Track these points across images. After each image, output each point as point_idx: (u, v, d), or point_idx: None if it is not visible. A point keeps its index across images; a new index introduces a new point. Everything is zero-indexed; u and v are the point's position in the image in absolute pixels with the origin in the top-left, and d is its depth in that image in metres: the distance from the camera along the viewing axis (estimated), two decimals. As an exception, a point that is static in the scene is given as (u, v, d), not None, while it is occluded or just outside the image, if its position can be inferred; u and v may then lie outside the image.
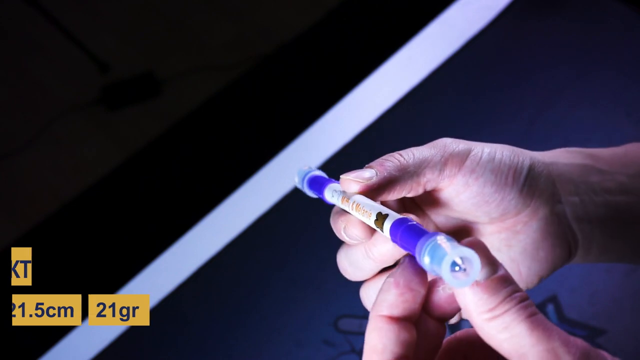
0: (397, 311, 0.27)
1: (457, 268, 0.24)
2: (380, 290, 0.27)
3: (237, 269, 0.65)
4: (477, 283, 0.25)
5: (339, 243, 0.34)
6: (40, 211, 1.51)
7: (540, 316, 0.24)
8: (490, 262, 0.25)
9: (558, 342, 0.24)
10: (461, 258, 0.24)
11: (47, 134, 1.65)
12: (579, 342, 0.24)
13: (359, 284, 0.35)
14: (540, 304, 0.56)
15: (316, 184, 0.35)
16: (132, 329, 0.64)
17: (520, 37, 0.71)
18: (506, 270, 0.26)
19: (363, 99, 0.72)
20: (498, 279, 0.25)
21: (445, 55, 0.72)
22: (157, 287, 0.67)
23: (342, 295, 0.60)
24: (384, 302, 0.27)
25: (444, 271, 0.24)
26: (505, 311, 0.24)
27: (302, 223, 0.66)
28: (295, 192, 0.67)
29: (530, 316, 0.24)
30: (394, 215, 0.29)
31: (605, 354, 0.24)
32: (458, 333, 0.29)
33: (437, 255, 0.24)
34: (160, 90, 1.69)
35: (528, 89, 0.68)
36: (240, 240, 0.67)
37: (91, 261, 1.40)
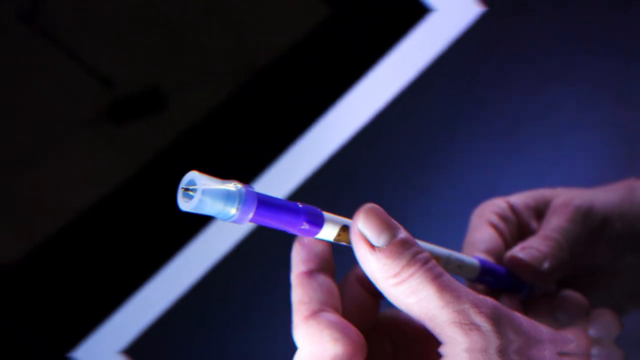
0: (313, 265, 0.27)
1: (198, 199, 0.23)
2: (292, 255, 0.28)
3: (241, 270, 0.66)
4: (378, 249, 0.24)
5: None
6: (49, 226, 1.52)
7: (448, 276, 0.23)
8: (389, 226, 0.24)
9: (468, 303, 0.23)
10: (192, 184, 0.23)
11: (53, 151, 1.66)
12: (490, 301, 0.23)
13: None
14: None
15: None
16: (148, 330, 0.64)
17: (505, 32, 0.71)
18: (407, 233, 0.25)
19: (354, 106, 0.72)
20: (399, 242, 0.24)
21: (431, 56, 0.72)
22: (163, 294, 0.67)
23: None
24: (299, 261, 0.27)
25: (179, 197, 0.24)
26: (411, 275, 0.23)
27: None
28: (297, 193, 0.67)
29: (436, 278, 0.23)
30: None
31: (517, 313, 0.24)
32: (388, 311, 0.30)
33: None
34: (165, 103, 1.69)
35: (513, 82, 0.67)
36: (245, 242, 0.67)
37: (100, 273, 1.41)
